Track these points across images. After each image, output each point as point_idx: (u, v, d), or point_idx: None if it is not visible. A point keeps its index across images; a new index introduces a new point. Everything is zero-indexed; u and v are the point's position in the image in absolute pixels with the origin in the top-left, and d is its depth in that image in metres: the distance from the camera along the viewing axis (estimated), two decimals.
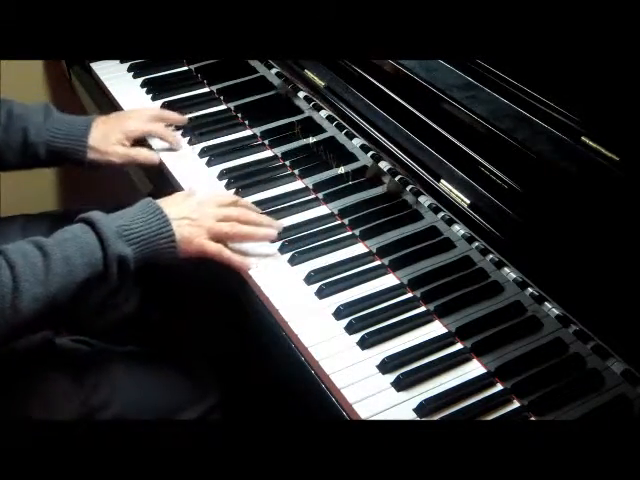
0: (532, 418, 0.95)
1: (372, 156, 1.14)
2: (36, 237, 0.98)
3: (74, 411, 1.10)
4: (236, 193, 1.26)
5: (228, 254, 1.10)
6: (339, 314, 1.05)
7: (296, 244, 1.16)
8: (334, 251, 1.16)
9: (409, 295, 1.09)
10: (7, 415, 1.07)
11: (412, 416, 0.94)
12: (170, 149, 1.34)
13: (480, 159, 1.02)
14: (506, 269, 0.95)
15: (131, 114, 1.34)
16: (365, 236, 1.17)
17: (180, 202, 1.11)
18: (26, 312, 0.92)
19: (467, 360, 1.02)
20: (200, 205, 1.10)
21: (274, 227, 1.15)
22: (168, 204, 1.08)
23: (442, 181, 1.03)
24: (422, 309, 1.08)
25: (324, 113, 1.22)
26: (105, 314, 1.25)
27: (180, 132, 1.39)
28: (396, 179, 1.10)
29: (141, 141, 1.33)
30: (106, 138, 1.26)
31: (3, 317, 0.91)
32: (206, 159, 1.33)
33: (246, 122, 1.42)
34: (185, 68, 1.60)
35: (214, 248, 1.09)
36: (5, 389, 1.08)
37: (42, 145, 1.23)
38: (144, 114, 1.34)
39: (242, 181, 1.28)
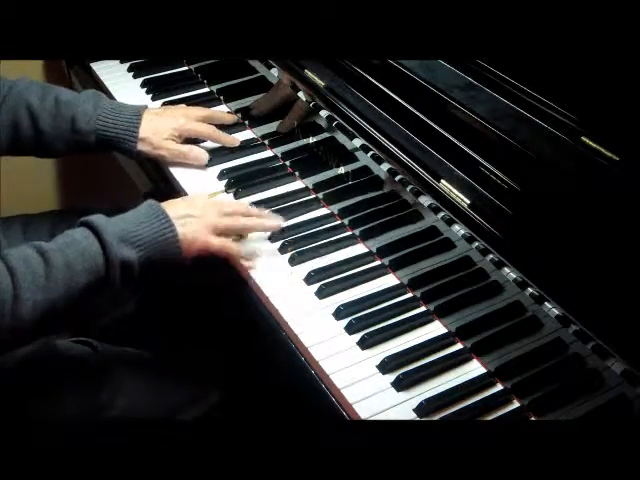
0: (532, 418, 0.95)
1: (372, 156, 1.14)
2: (38, 242, 0.97)
3: (77, 412, 1.10)
4: (236, 193, 1.25)
5: (232, 248, 1.09)
6: (339, 314, 1.05)
7: (296, 244, 1.16)
8: (334, 251, 1.16)
9: (409, 295, 1.09)
10: (9, 416, 1.07)
11: (412, 416, 0.94)
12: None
13: (480, 159, 1.02)
14: (506, 269, 0.95)
15: (185, 111, 1.32)
16: (365, 236, 1.17)
17: (181, 201, 1.10)
18: (26, 319, 0.92)
19: (467, 360, 1.02)
20: (202, 203, 1.10)
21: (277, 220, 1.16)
22: (170, 204, 1.08)
23: (442, 181, 1.03)
24: (422, 309, 1.08)
25: (324, 113, 1.22)
26: (105, 314, 1.25)
27: None
28: (396, 179, 1.10)
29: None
30: (159, 132, 1.25)
31: (3, 324, 0.90)
32: None
33: (246, 122, 1.43)
34: (185, 68, 1.60)
35: (218, 243, 1.08)
36: (7, 390, 1.08)
37: (91, 134, 1.21)
38: (197, 114, 1.32)
39: (242, 181, 1.27)
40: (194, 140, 1.32)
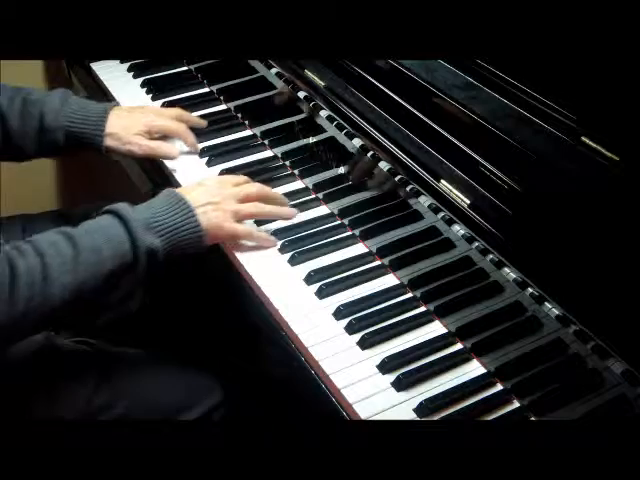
0: (532, 418, 0.95)
1: (372, 156, 1.14)
2: (65, 227, 0.98)
3: (77, 412, 1.10)
4: None
5: (258, 234, 1.14)
6: (339, 314, 1.05)
7: (296, 244, 1.16)
8: (334, 251, 1.16)
9: (409, 295, 1.09)
10: (9, 416, 1.07)
11: (412, 416, 0.94)
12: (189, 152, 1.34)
13: (480, 159, 1.02)
14: (506, 269, 0.95)
15: (156, 110, 1.34)
16: (365, 236, 1.17)
17: (199, 187, 1.11)
18: (55, 300, 0.93)
19: (467, 360, 1.02)
20: (219, 187, 1.11)
21: (287, 204, 1.19)
22: (188, 191, 1.08)
23: (442, 181, 1.03)
24: (422, 309, 1.08)
25: (324, 113, 1.22)
26: (109, 312, 1.25)
27: None
28: (396, 179, 1.10)
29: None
30: (128, 128, 1.25)
31: (33, 305, 0.91)
32: (206, 159, 1.33)
33: (246, 122, 1.43)
34: (185, 68, 1.60)
35: (245, 231, 1.12)
36: (7, 390, 1.08)
37: (60, 130, 1.21)
38: (168, 112, 1.33)
39: None
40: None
